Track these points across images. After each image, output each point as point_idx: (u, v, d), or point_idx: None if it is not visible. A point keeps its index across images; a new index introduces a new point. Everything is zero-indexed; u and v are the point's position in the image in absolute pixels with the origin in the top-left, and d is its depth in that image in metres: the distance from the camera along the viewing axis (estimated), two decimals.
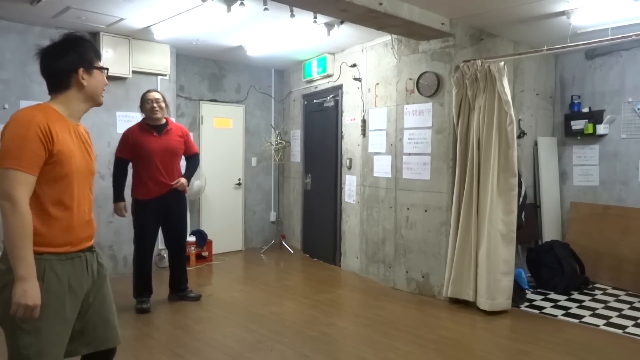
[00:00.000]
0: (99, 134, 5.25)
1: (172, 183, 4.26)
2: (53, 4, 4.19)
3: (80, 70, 1.88)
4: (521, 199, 4.59)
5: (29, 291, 1.67)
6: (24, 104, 4.77)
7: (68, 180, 1.84)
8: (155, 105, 4.23)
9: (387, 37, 5.09)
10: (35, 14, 4.48)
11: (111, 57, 5.14)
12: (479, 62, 4.34)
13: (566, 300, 4.66)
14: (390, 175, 5.10)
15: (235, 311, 4.33)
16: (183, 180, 4.34)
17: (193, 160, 4.51)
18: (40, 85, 4.85)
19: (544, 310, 4.36)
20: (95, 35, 5.12)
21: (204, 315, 4.18)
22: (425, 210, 4.74)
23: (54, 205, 1.81)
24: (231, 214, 6.75)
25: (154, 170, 4.19)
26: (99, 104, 2.01)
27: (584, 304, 4.54)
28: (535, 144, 5.64)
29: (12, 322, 1.71)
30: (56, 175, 1.81)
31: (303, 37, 5.11)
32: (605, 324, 4.01)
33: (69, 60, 1.86)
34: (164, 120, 4.33)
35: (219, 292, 4.88)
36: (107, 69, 2.05)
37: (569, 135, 5.62)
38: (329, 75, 6.10)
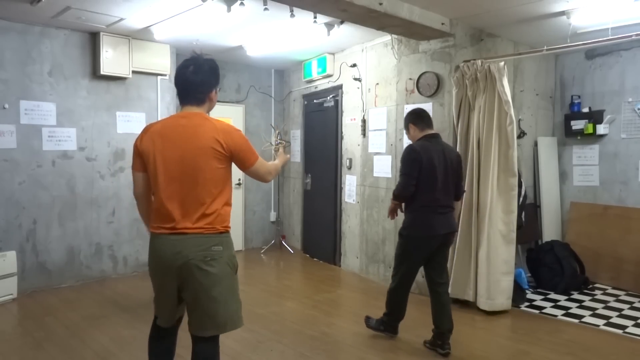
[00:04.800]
0: (99, 134, 5.25)
1: None
2: (53, 4, 4.19)
3: (214, 91, 2.30)
4: (521, 199, 4.59)
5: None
6: (23, 104, 4.78)
7: None
8: None
9: (387, 37, 5.09)
10: (35, 14, 4.48)
11: (111, 57, 5.14)
12: (479, 62, 4.34)
13: (566, 300, 4.66)
14: (390, 175, 5.10)
15: None
16: None
17: None
18: (40, 86, 4.88)
19: (544, 310, 4.36)
20: (95, 35, 5.13)
21: None
22: None
23: None
24: (231, 214, 6.72)
25: None
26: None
27: (584, 304, 4.54)
28: (535, 144, 5.64)
29: (235, 281, 2.35)
30: None
31: (303, 37, 5.10)
32: (605, 324, 4.02)
33: (209, 82, 2.27)
34: None
35: None
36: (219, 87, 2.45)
37: (569, 135, 5.62)
38: (329, 75, 6.10)
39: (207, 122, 2.20)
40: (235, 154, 2.20)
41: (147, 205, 2.32)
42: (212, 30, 5.01)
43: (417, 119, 3.56)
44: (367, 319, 3.80)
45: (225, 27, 4.90)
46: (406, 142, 4.88)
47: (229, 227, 2.29)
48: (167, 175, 2.16)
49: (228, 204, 2.28)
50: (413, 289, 4.83)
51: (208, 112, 2.31)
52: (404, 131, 3.67)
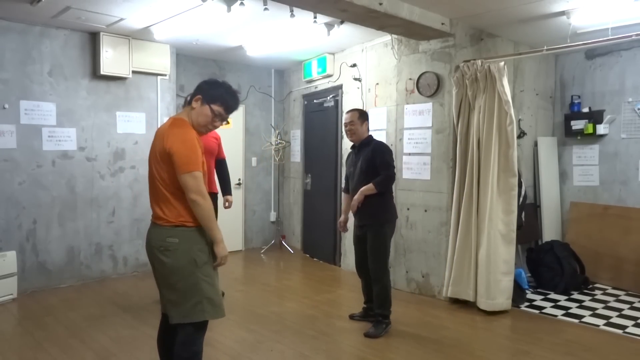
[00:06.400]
0: (99, 134, 5.25)
1: (225, 205, 4.59)
2: (53, 4, 4.19)
3: (197, 97, 2.40)
4: (521, 199, 4.59)
5: (225, 247, 2.38)
6: (23, 104, 4.78)
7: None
8: None
9: (387, 37, 5.09)
10: (35, 14, 4.48)
11: (111, 57, 5.14)
12: (479, 62, 4.34)
13: (566, 300, 4.66)
14: None
15: (235, 311, 4.33)
16: (231, 199, 4.64)
17: (226, 171, 4.64)
18: (40, 86, 4.87)
19: (544, 310, 4.36)
20: (95, 35, 5.13)
21: None
22: (425, 210, 4.74)
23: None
24: (231, 214, 6.72)
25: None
26: (198, 131, 2.42)
27: (584, 304, 4.54)
28: (535, 144, 5.64)
29: (197, 276, 2.32)
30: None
31: (303, 37, 5.10)
32: (605, 324, 4.02)
33: (195, 91, 2.43)
34: None
35: None
36: (227, 121, 2.53)
37: (569, 135, 5.62)
38: (329, 75, 6.10)
39: (167, 126, 2.38)
40: (171, 156, 2.27)
41: None
42: (212, 30, 5.01)
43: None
44: (367, 333, 3.72)
45: (225, 27, 4.90)
46: (407, 142, 4.91)
47: (189, 222, 2.35)
48: (148, 174, 2.50)
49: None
50: (413, 289, 4.88)
51: (192, 117, 2.43)
52: (364, 123, 3.87)
